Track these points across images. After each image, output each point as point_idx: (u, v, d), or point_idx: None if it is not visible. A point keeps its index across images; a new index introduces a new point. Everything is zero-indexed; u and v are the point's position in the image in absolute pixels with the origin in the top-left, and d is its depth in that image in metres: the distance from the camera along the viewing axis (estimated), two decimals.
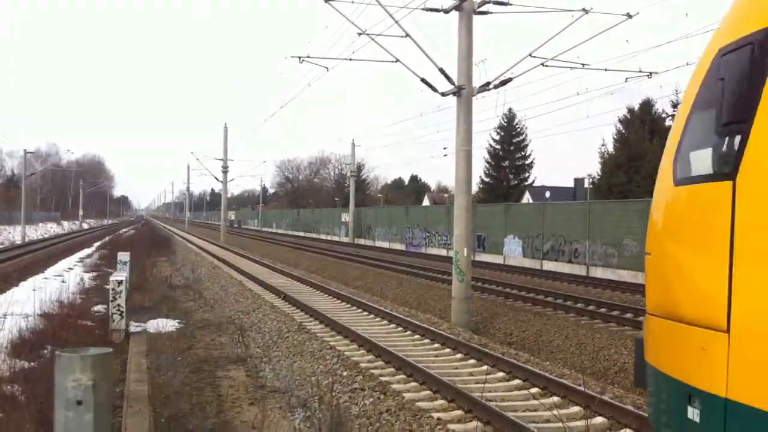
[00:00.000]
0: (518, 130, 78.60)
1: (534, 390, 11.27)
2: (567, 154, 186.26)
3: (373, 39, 20.80)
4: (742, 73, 4.04)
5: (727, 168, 4.02)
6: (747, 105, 3.94)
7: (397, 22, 19.27)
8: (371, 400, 11.02)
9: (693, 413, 4.13)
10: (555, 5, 21.20)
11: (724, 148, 4.13)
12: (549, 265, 36.61)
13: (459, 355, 14.11)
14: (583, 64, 21.89)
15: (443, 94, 19.96)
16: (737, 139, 3.98)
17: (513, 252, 40.80)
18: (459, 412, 10.12)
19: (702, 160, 4.36)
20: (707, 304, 4.04)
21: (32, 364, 11.95)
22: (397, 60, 20.92)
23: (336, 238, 74.90)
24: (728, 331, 3.83)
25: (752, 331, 3.69)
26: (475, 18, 19.41)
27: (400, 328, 17.34)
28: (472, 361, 13.62)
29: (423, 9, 19.86)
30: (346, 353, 14.29)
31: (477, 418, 9.71)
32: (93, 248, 49.48)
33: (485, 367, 12.74)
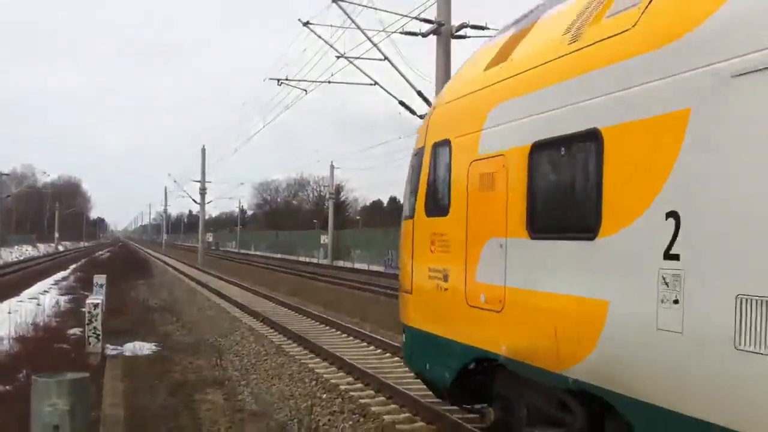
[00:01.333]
0: None
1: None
2: None
3: (351, 62, 20.93)
4: (415, 166, 9.61)
5: (411, 214, 9.82)
6: (417, 183, 9.58)
7: (375, 45, 19.44)
8: (350, 423, 10.98)
9: (404, 336, 10.09)
10: None
11: (410, 204, 9.94)
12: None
13: None
14: None
15: (421, 117, 20.08)
16: (413, 200, 9.76)
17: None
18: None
19: (407, 209, 10.15)
20: (407, 281, 9.77)
21: (7, 387, 11.81)
22: (376, 83, 21.07)
23: (315, 260, 74.74)
24: (411, 292, 9.60)
25: (417, 291, 9.28)
26: (453, 42, 19.60)
27: (379, 350, 17.29)
28: None
29: (401, 33, 20.04)
30: (325, 375, 14.24)
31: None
32: (69, 270, 48.98)
33: None
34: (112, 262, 55.39)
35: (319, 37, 21.00)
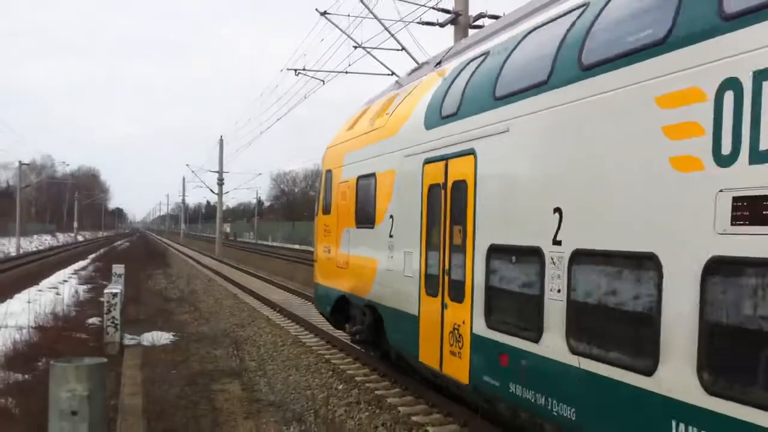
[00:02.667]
0: None
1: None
2: None
3: (368, 52, 20.85)
4: (319, 183, 16.35)
5: (317, 213, 16.36)
6: (319, 194, 16.24)
7: (393, 35, 19.32)
8: (367, 414, 10.99)
9: (314, 289, 17.18)
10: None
11: (316, 206, 16.53)
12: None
13: None
14: None
15: None
16: (317, 204, 16.35)
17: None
18: None
19: (315, 210, 16.61)
20: (315, 254, 16.58)
21: (26, 376, 11.90)
22: (393, 73, 20.93)
23: None
24: (316, 261, 16.45)
25: (318, 260, 16.20)
26: (471, 32, 19.48)
27: None
28: None
29: (419, 23, 19.93)
30: (341, 367, 14.25)
31: None
32: (88, 260, 49.32)
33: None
34: (131, 252, 55.75)
35: (337, 26, 20.90)
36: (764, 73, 4.92)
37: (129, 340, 16.50)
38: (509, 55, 8.67)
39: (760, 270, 4.92)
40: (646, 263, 5.95)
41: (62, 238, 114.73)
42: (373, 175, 12.43)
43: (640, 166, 6.07)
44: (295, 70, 25.35)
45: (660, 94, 5.87)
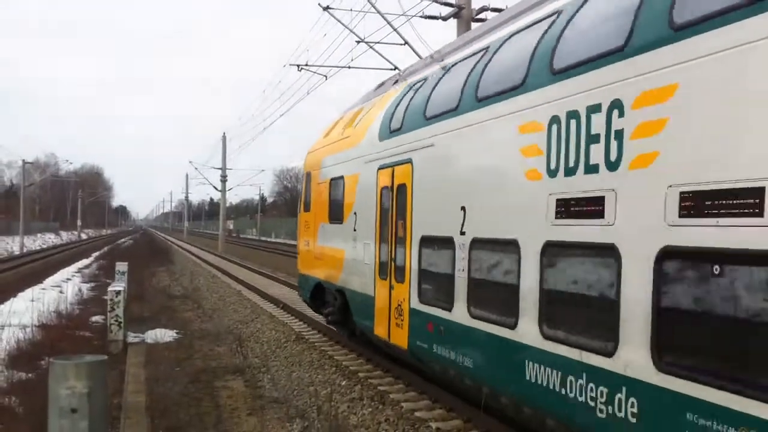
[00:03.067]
0: None
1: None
2: None
3: (371, 47, 20.78)
4: (307, 183, 17.89)
5: (299, 210, 19.29)
6: (307, 194, 17.81)
7: (395, 29, 19.23)
8: (370, 410, 10.97)
9: (299, 279, 19.28)
10: None
11: (298, 205, 19.83)
12: None
13: None
14: None
15: None
16: (300, 203, 19.24)
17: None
18: None
19: (299, 207, 19.47)
20: (299, 247, 19.04)
21: (30, 375, 11.90)
22: (396, 67, 20.87)
23: None
24: (299, 253, 18.97)
25: (300, 252, 18.74)
26: (474, 25, 19.42)
27: None
28: None
29: (422, 17, 19.87)
30: (344, 363, 14.24)
31: None
32: (91, 258, 49.39)
33: None
34: (134, 250, 55.81)
35: (339, 21, 20.82)
36: (573, 113, 7.09)
37: (133, 337, 16.49)
38: (436, 84, 11.10)
39: (566, 250, 7.24)
40: (512, 246, 8.07)
41: (66, 236, 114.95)
42: (342, 177, 14.73)
43: (508, 176, 8.37)
44: (298, 66, 25.28)
45: (520, 124, 8.05)
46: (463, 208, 9.31)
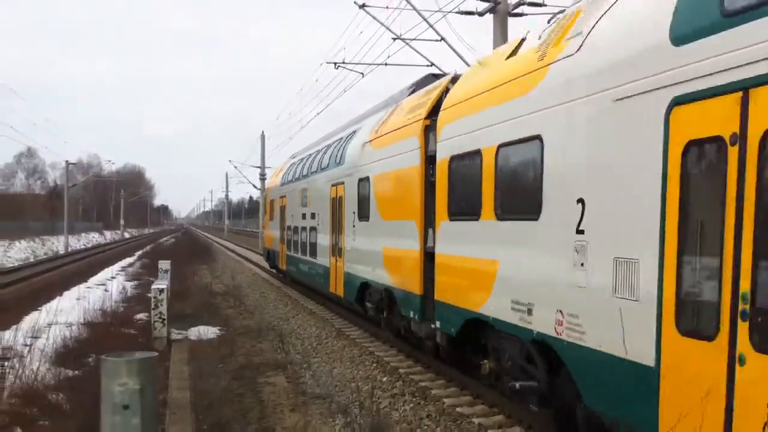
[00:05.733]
0: None
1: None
2: None
3: (407, 44, 20.79)
4: (268, 202, 36.95)
5: (267, 217, 38.74)
6: (269, 208, 35.44)
7: (431, 26, 19.24)
8: (411, 405, 11.01)
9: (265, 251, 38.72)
10: None
11: (267, 213, 38.77)
12: None
13: None
14: None
15: None
16: (268, 212, 39.07)
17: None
18: None
19: (266, 215, 39.60)
20: (265, 234, 39.44)
21: (76, 372, 12.11)
22: (432, 64, 20.89)
23: None
24: (264, 237, 41.00)
25: (265, 237, 39.00)
26: (510, 20, 19.32)
27: None
28: None
29: (457, 12, 19.80)
30: (385, 359, 14.29)
31: None
32: (135, 257, 50.08)
33: None
34: (176, 248, 56.41)
35: (375, 19, 20.88)
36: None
37: (176, 334, 16.70)
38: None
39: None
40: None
41: (109, 235, 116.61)
42: (281, 198, 29.08)
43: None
44: (335, 64, 25.38)
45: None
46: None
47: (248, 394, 11.84)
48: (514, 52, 9.72)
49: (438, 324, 11.77)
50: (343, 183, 18.32)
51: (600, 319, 6.99)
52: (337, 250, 19.00)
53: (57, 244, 73.11)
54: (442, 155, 11.41)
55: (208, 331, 17.54)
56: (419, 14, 19.39)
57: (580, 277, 7.36)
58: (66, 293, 24.43)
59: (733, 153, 5.51)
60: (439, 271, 11.72)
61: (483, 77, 10.32)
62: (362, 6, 20.70)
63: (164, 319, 15.33)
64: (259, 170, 70.75)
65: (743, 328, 5.35)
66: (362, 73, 25.83)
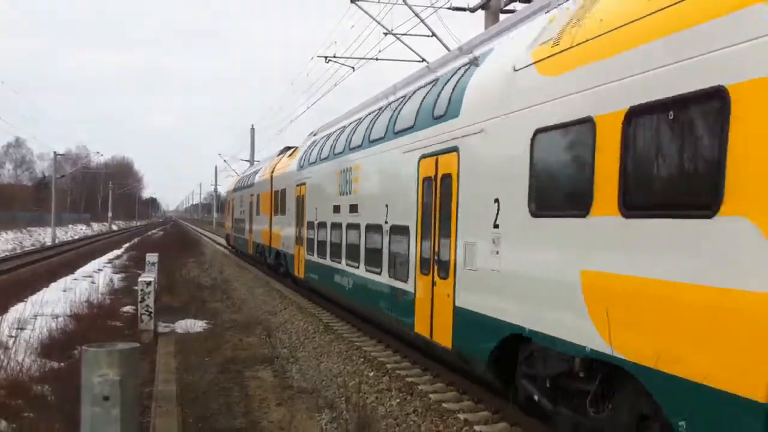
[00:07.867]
0: None
1: None
2: None
3: (398, 39, 20.73)
4: (227, 202, 58.54)
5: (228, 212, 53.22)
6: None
7: (423, 21, 19.17)
8: (398, 401, 10.99)
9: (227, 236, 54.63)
10: None
11: (229, 209, 52.74)
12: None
13: None
14: None
15: None
16: (229, 209, 52.33)
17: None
18: None
19: (228, 210, 56.01)
20: (226, 225, 58.93)
21: (62, 364, 12.06)
22: (423, 59, 20.80)
23: None
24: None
25: (226, 227, 56.61)
26: (502, 17, 19.29)
27: None
28: None
29: (449, 8, 19.78)
30: (372, 354, 14.27)
31: None
32: (122, 249, 49.89)
33: None
34: (164, 241, 56.24)
35: (367, 13, 20.80)
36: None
37: (163, 327, 16.65)
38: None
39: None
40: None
41: (97, 227, 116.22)
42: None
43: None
44: (326, 57, 25.32)
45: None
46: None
47: (235, 387, 11.82)
48: None
49: None
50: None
51: None
52: (434, 268, 11.38)
53: (44, 235, 72.78)
54: None
55: (195, 325, 17.51)
56: (410, 9, 19.34)
57: None
58: (53, 285, 24.31)
59: (436, 184, 11.46)
60: None
61: None
62: (354, 0, 20.62)
63: (151, 312, 15.28)
64: (248, 164, 70.68)
65: (436, 268, 11.29)
66: (353, 68, 25.77)
